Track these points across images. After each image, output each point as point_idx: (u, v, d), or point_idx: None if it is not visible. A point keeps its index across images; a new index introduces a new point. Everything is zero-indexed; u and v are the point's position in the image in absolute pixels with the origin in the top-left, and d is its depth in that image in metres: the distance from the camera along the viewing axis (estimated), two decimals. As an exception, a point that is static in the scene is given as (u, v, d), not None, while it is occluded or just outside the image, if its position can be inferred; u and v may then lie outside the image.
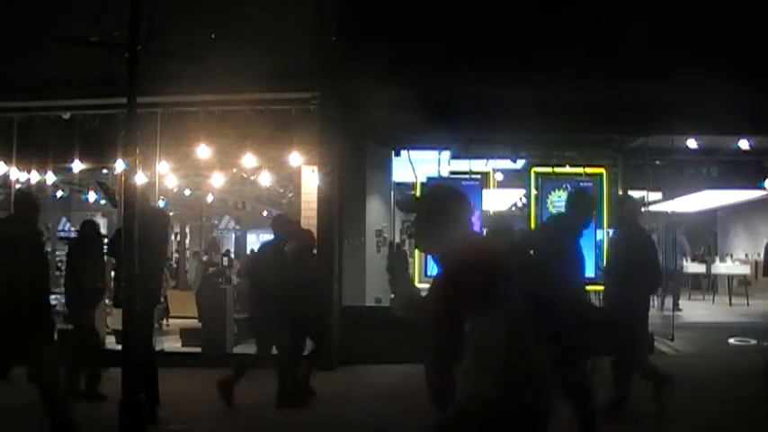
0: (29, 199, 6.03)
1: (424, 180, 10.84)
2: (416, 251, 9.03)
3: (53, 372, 5.56)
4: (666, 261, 14.82)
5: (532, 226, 10.39)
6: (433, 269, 3.17)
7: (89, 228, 7.67)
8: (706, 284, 16.87)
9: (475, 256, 2.42)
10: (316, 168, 9.25)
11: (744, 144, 10.58)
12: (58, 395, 5.52)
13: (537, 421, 2.38)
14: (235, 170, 10.30)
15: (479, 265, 2.35)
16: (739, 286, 15.61)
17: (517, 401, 2.28)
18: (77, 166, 9.79)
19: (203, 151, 9.22)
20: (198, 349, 9.10)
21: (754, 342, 10.11)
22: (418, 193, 10.64)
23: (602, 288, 10.87)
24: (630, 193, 11.54)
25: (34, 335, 5.36)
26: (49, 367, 5.51)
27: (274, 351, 6.94)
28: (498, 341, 2.24)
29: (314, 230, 9.26)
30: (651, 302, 7.16)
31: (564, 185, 10.50)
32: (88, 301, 7.37)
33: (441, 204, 2.61)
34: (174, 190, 11.41)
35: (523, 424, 2.33)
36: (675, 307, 13.42)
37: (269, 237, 7.53)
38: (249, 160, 9.26)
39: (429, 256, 2.85)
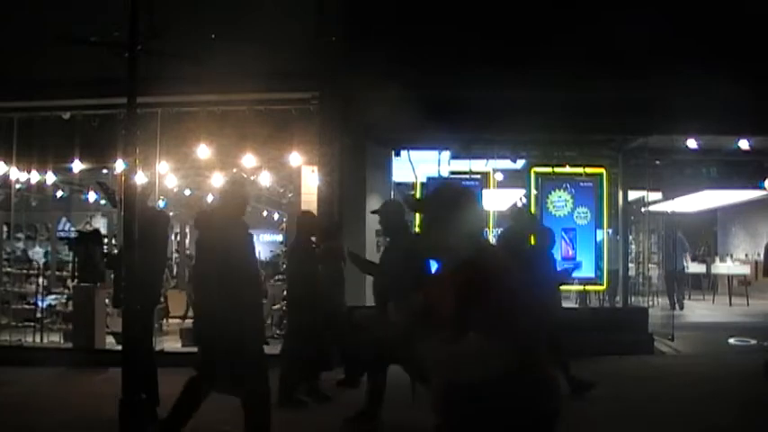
0: (238, 188, 5.46)
1: (424, 180, 10.83)
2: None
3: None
4: (667, 261, 14.88)
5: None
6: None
7: None
8: (706, 284, 16.88)
9: (493, 271, 2.39)
10: (316, 168, 9.25)
11: (744, 144, 10.58)
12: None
13: (547, 424, 2.38)
14: (235, 170, 10.29)
15: (496, 281, 2.34)
16: (739, 286, 15.61)
17: (532, 405, 2.29)
18: (77, 166, 9.79)
19: (203, 151, 9.22)
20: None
21: (754, 342, 10.10)
22: (418, 194, 10.62)
23: (602, 288, 11.07)
24: (631, 192, 11.58)
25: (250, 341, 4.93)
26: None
27: None
28: (508, 346, 2.25)
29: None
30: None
31: (564, 185, 10.53)
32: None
33: (448, 205, 2.49)
34: (174, 190, 11.41)
35: (536, 426, 2.35)
36: (677, 305, 13.43)
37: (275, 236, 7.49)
38: (249, 160, 9.26)
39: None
